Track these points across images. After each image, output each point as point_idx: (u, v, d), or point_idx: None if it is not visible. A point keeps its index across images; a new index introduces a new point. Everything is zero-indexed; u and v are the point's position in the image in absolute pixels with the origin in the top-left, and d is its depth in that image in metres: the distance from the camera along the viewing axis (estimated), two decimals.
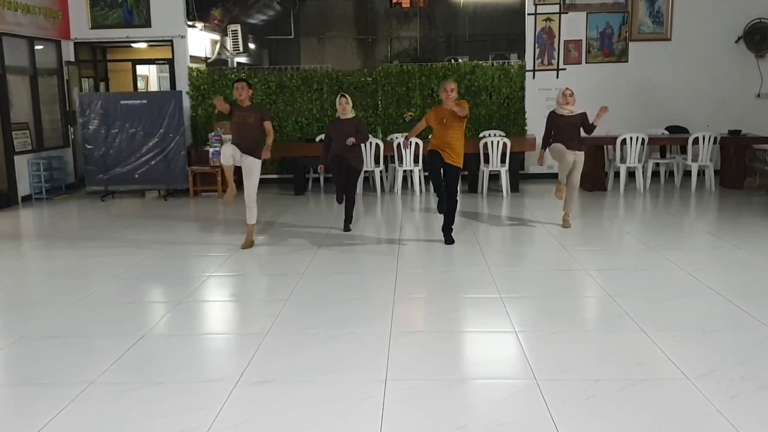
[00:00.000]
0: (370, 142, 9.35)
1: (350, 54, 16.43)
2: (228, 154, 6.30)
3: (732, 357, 3.61)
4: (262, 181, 10.37)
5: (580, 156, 7.13)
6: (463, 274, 5.46)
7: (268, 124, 6.50)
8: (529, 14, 10.47)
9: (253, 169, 6.46)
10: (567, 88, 7.32)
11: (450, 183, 6.43)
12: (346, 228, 7.21)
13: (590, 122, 7.15)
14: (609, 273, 5.35)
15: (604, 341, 3.93)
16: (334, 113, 10.61)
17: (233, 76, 10.79)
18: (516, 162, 9.58)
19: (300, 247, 6.46)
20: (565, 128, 7.25)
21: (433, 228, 7.07)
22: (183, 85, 10.68)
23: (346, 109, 7.17)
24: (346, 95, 7.28)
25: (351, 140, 6.92)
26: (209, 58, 12.05)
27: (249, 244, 6.56)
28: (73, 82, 10.68)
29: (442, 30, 16.53)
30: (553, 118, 7.29)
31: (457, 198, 6.63)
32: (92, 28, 10.58)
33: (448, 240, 6.54)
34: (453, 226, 6.63)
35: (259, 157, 6.43)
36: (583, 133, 7.16)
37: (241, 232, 6.90)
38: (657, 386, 3.28)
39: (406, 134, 7.21)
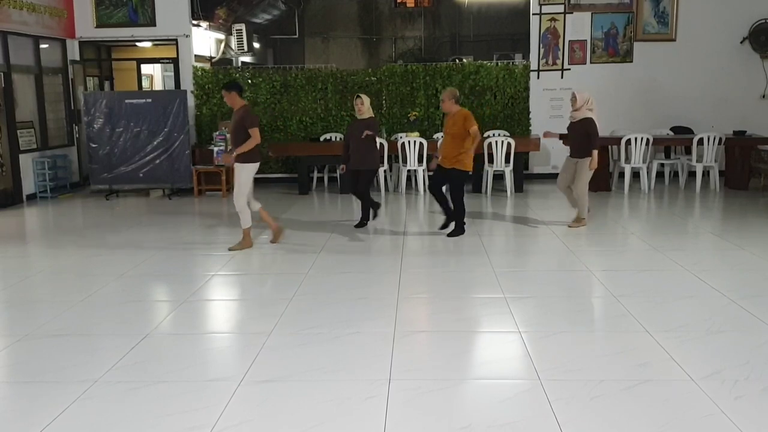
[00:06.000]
0: None
1: (354, 53, 16.44)
2: None
3: (736, 358, 3.60)
4: (266, 180, 10.48)
5: (579, 164, 6.85)
6: (467, 274, 5.46)
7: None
8: (533, 14, 10.46)
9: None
10: (572, 92, 7.07)
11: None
12: (360, 224, 7.23)
13: (593, 134, 6.72)
14: (613, 273, 5.34)
15: (609, 342, 3.93)
16: (338, 113, 10.67)
17: (237, 75, 10.81)
18: (520, 162, 9.57)
19: (304, 246, 6.46)
20: (568, 137, 7.18)
21: (437, 227, 7.07)
22: (188, 84, 10.70)
23: (361, 110, 7.08)
24: (362, 96, 7.12)
25: (366, 133, 6.90)
26: (214, 58, 12.07)
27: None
28: (77, 81, 10.71)
29: (446, 30, 16.53)
30: (569, 125, 7.14)
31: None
32: (97, 27, 10.61)
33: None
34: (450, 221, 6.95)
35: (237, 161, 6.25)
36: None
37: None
38: (661, 387, 3.27)
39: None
